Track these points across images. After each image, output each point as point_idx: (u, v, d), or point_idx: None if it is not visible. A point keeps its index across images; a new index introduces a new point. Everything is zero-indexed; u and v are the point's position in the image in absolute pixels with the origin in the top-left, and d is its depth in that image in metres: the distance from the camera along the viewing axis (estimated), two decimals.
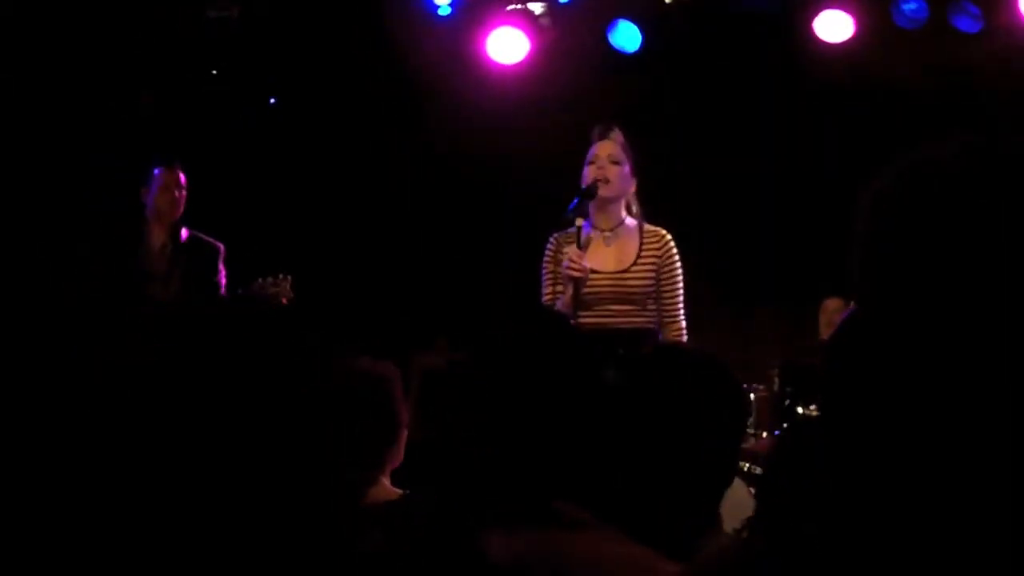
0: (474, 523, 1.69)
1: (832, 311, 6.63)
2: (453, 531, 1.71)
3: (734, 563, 1.17)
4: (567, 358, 1.84)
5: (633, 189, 4.60)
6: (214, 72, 6.82)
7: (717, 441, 2.01)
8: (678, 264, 4.52)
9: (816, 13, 6.29)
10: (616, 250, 4.50)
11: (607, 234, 4.50)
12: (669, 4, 6.41)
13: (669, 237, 4.53)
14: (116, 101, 6.46)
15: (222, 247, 5.76)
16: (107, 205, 5.86)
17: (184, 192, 5.65)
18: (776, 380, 6.12)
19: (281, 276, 5.54)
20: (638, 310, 4.46)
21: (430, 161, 7.08)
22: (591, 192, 4.44)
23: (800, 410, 5.90)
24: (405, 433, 2.78)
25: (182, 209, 5.67)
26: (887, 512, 0.97)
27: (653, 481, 1.99)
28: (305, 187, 7.04)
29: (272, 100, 7.10)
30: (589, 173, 4.46)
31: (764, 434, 5.94)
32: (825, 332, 6.71)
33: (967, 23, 5.97)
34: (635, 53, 6.37)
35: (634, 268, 4.46)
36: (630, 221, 4.55)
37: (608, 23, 6.40)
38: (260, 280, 5.55)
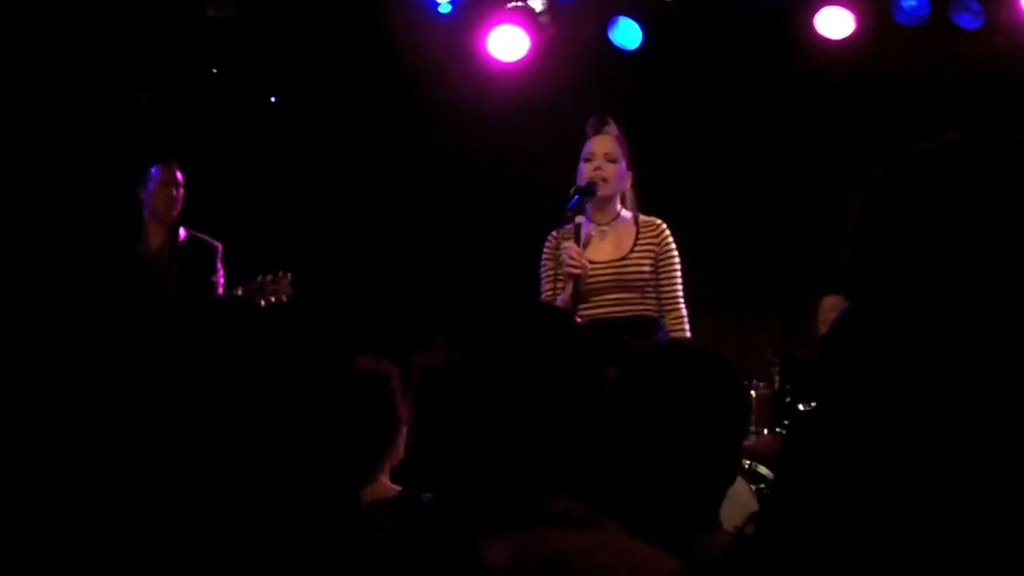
0: (474, 521, 1.69)
1: (829, 308, 6.63)
2: (452, 529, 1.71)
3: (734, 561, 1.17)
4: (566, 356, 1.83)
5: (629, 183, 4.61)
6: (214, 71, 6.82)
7: (719, 438, 2.01)
8: (675, 252, 4.54)
9: (817, 10, 6.29)
10: (613, 240, 4.52)
11: (604, 227, 4.52)
12: (669, 2, 6.41)
13: (665, 226, 4.56)
14: (115, 100, 6.46)
15: (220, 246, 5.76)
16: (105, 203, 5.86)
17: (181, 190, 5.65)
18: (776, 377, 6.12)
19: (280, 273, 5.54)
20: (638, 298, 4.47)
21: (429, 159, 7.08)
22: (590, 191, 4.45)
23: (800, 407, 5.91)
24: (404, 431, 2.78)
25: (180, 208, 5.67)
26: (886, 508, 0.97)
27: (655, 478, 1.99)
28: (305, 186, 7.04)
29: (272, 98, 7.10)
30: (585, 171, 4.47)
31: (764, 431, 5.95)
32: (823, 329, 6.70)
33: (968, 20, 5.97)
34: (635, 50, 6.37)
35: (632, 256, 4.48)
36: (625, 213, 4.58)
37: (608, 20, 6.40)
38: (259, 278, 5.54)
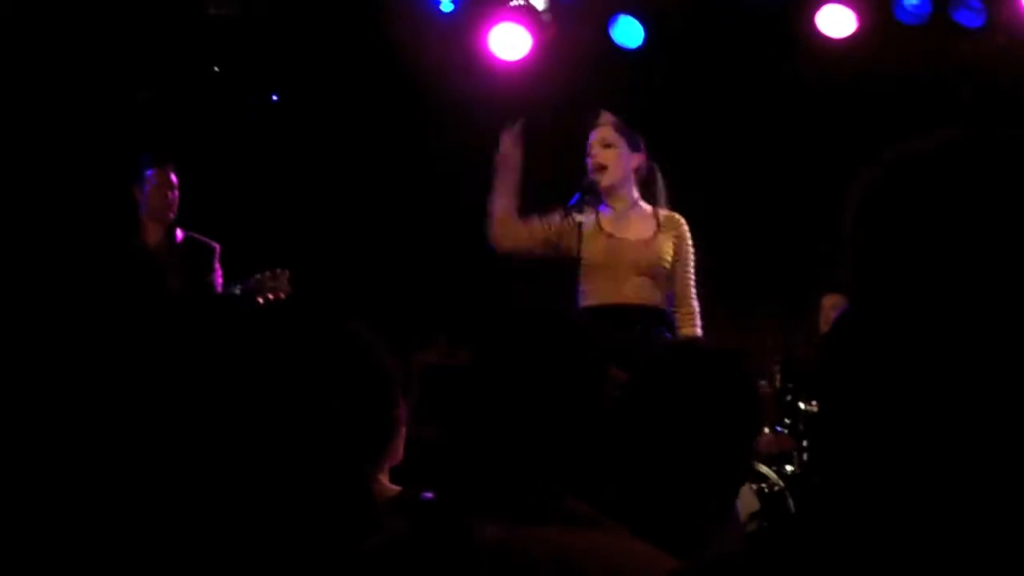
0: (478, 520, 1.69)
1: (830, 307, 6.63)
2: (456, 528, 1.71)
3: (733, 561, 1.17)
4: (570, 356, 1.83)
5: (636, 164, 4.61)
6: (215, 69, 6.82)
7: (732, 438, 2.01)
8: (692, 247, 4.56)
9: (818, 8, 6.29)
10: (636, 223, 4.54)
11: (624, 212, 4.55)
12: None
13: (684, 221, 4.58)
14: (116, 98, 6.47)
15: (217, 247, 5.77)
16: (103, 201, 5.88)
17: (176, 192, 5.67)
18: (777, 376, 6.13)
19: (278, 270, 5.55)
20: (654, 286, 4.47)
21: (430, 158, 7.08)
22: (591, 189, 4.47)
23: (802, 405, 5.91)
24: (403, 431, 2.77)
25: (175, 209, 5.68)
26: (887, 506, 0.97)
27: (667, 478, 1.98)
28: (306, 184, 7.04)
29: (274, 97, 7.10)
30: (588, 164, 4.51)
31: (765, 430, 5.95)
32: (825, 328, 6.71)
33: (969, 18, 5.97)
34: (636, 49, 6.37)
35: (655, 241, 4.49)
36: (644, 204, 4.59)
37: (610, 19, 6.39)
38: (257, 275, 5.56)
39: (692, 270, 4.57)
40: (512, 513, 1.67)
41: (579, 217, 4.55)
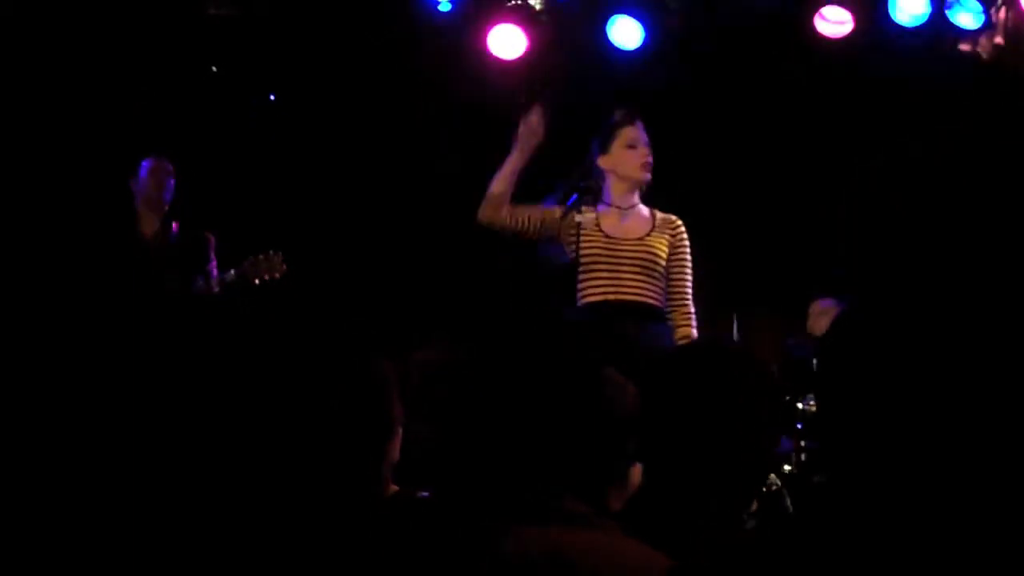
0: (478, 518, 1.69)
1: (818, 313, 6.64)
2: (456, 527, 1.72)
3: (729, 559, 1.17)
4: (571, 356, 1.84)
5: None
6: (213, 69, 6.82)
7: (757, 439, 2.00)
8: (689, 249, 4.60)
9: (816, 8, 6.29)
10: (633, 222, 4.58)
11: (625, 211, 4.59)
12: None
13: (681, 223, 4.63)
14: (115, 96, 6.47)
15: (212, 238, 5.83)
16: (101, 195, 5.92)
17: (172, 180, 5.76)
18: (778, 375, 6.12)
19: (271, 252, 5.62)
20: (650, 284, 4.50)
21: (429, 156, 7.08)
22: (590, 189, 4.51)
23: (800, 406, 5.91)
24: (401, 431, 2.77)
25: (171, 196, 5.76)
26: (886, 502, 0.97)
27: (690, 479, 1.97)
28: (306, 183, 7.04)
29: (272, 96, 7.10)
30: (634, 158, 4.54)
31: None
32: (811, 331, 6.70)
33: (968, 19, 5.96)
34: (635, 50, 6.36)
35: (648, 239, 4.54)
36: (643, 207, 4.64)
37: (608, 19, 6.39)
38: (251, 258, 5.63)
39: (689, 272, 4.60)
40: (511, 513, 1.67)
41: (577, 217, 4.56)
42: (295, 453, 2.41)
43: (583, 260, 4.46)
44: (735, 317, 5.96)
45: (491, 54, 6.46)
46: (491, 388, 1.81)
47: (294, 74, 6.94)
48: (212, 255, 5.82)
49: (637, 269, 4.49)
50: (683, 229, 4.63)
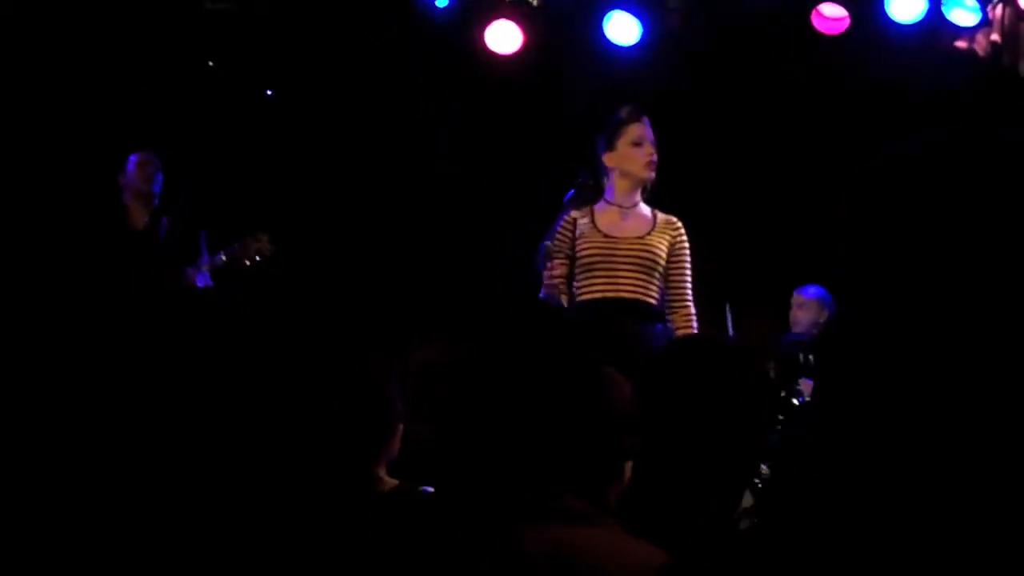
0: (478, 519, 1.70)
1: (797, 306, 6.65)
2: (458, 523, 1.72)
3: (726, 556, 1.18)
4: (568, 356, 1.85)
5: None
6: (210, 64, 6.82)
7: (743, 434, 2.01)
8: (688, 250, 4.59)
9: (812, 5, 6.29)
10: (634, 222, 4.57)
11: (626, 210, 4.58)
12: None
13: (681, 225, 4.62)
14: (113, 92, 6.46)
15: (204, 233, 5.85)
16: (91, 191, 5.93)
17: (160, 174, 5.78)
18: (773, 371, 6.14)
19: (259, 234, 5.66)
20: (649, 282, 4.49)
21: (426, 153, 7.08)
22: (587, 185, 4.50)
23: (795, 402, 5.92)
24: (401, 427, 2.78)
25: (159, 189, 5.78)
26: (885, 500, 0.98)
27: (677, 474, 1.98)
28: (305, 179, 7.04)
29: (269, 92, 7.09)
30: (640, 156, 4.52)
31: None
32: (793, 325, 6.72)
33: (964, 17, 5.97)
34: (632, 46, 6.36)
35: (649, 238, 4.52)
36: (644, 207, 4.63)
37: (604, 15, 6.39)
38: (239, 241, 5.66)
39: (688, 272, 4.60)
40: (512, 511, 1.68)
41: (574, 213, 4.56)
42: (295, 450, 2.42)
43: (581, 258, 4.46)
44: (729, 313, 5.96)
45: (488, 49, 6.46)
46: (491, 388, 1.81)
47: (291, 69, 6.93)
48: (204, 250, 5.82)
49: (636, 268, 4.48)
50: (683, 232, 4.62)
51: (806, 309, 6.51)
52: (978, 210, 1.03)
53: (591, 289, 4.44)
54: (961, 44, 5.94)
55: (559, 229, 4.56)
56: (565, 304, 4.30)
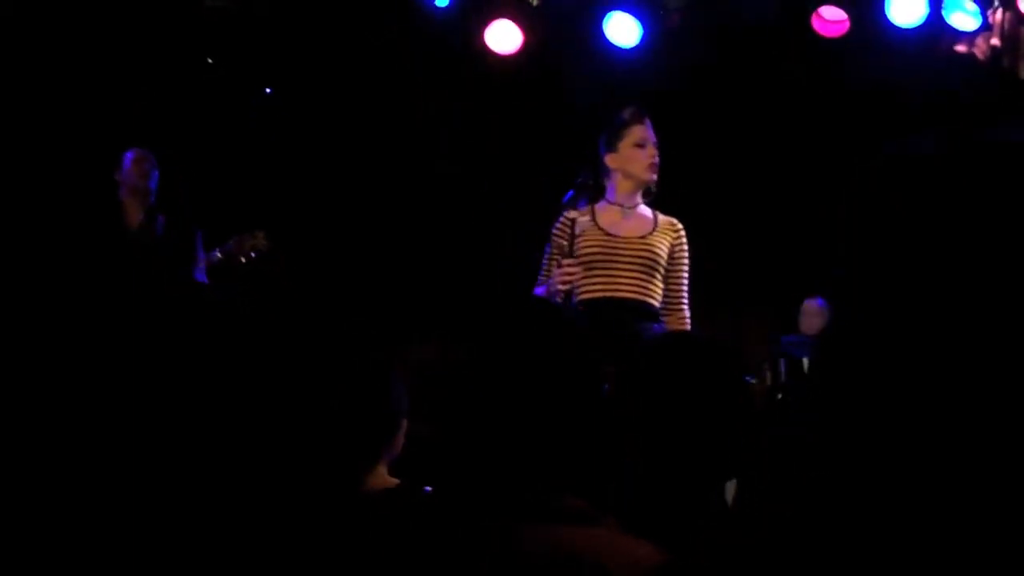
0: (478, 516, 1.70)
1: (812, 313, 6.70)
2: (456, 523, 1.73)
3: (724, 555, 1.18)
4: (567, 355, 1.85)
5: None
6: (209, 61, 6.82)
7: (722, 428, 2.02)
8: (688, 254, 4.59)
9: (813, 7, 6.30)
10: (635, 222, 4.57)
11: (627, 210, 4.58)
12: None
13: (682, 227, 4.62)
14: (112, 91, 6.47)
15: (200, 232, 5.85)
16: (87, 188, 5.94)
17: (156, 171, 5.79)
18: (768, 373, 6.16)
19: (255, 231, 5.67)
20: (651, 283, 4.49)
21: (425, 152, 7.08)
22: (587, 186, 4.50)
23: (789, 401, 5.94)
24: (405, 423, 2.79)
25: (156, 187, 5.79)
26: (883, 500, 0.98)
27: (658, 470, 1.99)
28: (304, 178, 7.04)
29: (268, 90, 7.10)
30: (643, 157, 4.52)
31: None
32: (804, 329, 6.77)
33: (964, 21, 5.98)
34: (631, 47, 6.37)
35: (651, 238, 4.53)
36: (645, 207, 4.63)
37: (604, 15, 6.39)
38: (235, 237, 5.67)
39: (687, 275, 4.59)
40: (511, 510, 1.68)
41: (572, 213, 4.56)
42: (294, 449, 2.42)
43: (581, 256, 4.45)
44: (729, 315, 5.99)
45: (488, 49, 6.46)
46: (490, 387, 1.81)
47: (290, 68, 6.94)
48: (200, 248, 5.83)
49: (636, 267, 4.48)
50: (684, 234, 4.62)
51: (820, 317, 6.55)
52: (977, 210, 1.03)
53: (591, 288, 4.44)
54: (961, 48, 5.95)
55: (557, 228, 4.56)
56: (561, 302, 4.31)
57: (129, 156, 5.83)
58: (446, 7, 6.43)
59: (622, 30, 6.31)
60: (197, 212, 5.89)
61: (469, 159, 7.00)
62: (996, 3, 5.65)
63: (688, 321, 4.57)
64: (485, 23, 6.43)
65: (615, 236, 4.50)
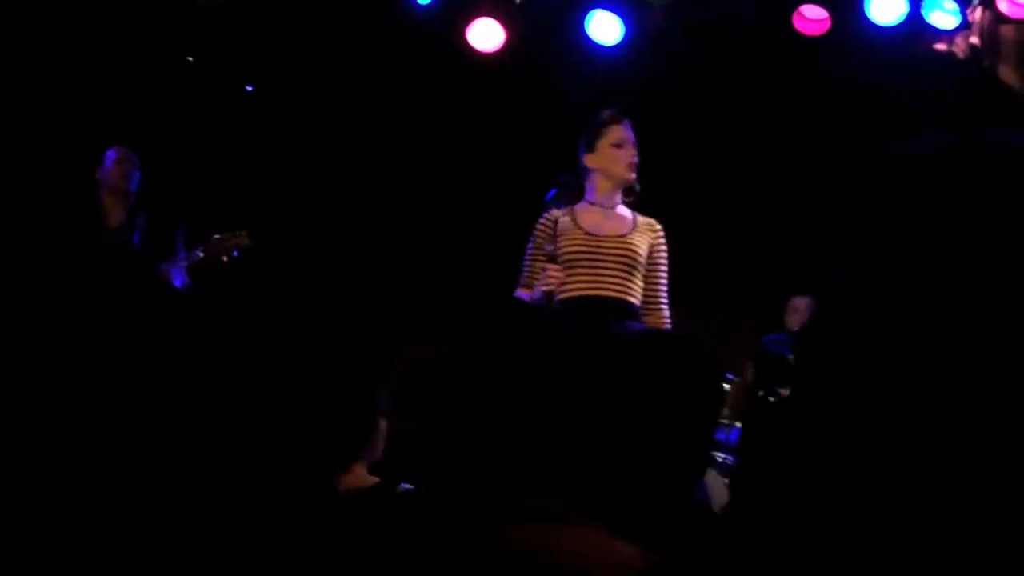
0: (458, 515, 1.71)
1: (804, 309, 6.73)
2: (437, 522, 1.73)
3: (708, 555, 1.19)
4: (559, 356, 1.86)
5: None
6: (190, 59, 6.80)
7: (691, 422, 2.03)
8: (666, 253, 4.60)
9: (794, 6, 6.32)
10: (616, 221, 4.59)
11: (607, 210, 4.59)
12: None
13: (661, 227, 4.63)
14: (99, 88, 6.45)
15: (182, 230, 5.84)
16: (67, 188, 5.93)
17: (138, 171, 5.78)
18: (751, 370, 6.18)
19: (237, 231, 5.66)
20: (632, 281, 4.50)
21: (419, 152, 7.08)
22: (569, 185, 4.51)
23: (772, 399, 5.96)
24: (384, 424, 2.79)
25: (136, 186, 5.78)
26: (873, 496, 0.98)
27: (632, 467, 2.00)
28: (298, 177, 7.04)
29: (249, 88, 7.08)
30: (622, 158, 4.54)
31: (738, 423, 6.00)
32: (792, 326, 6.80)
33: (943, 20, 6.01)
34: (614, 46, 6.38)
35: (631, 236, 4.54)
36: (624, 208, 4.64)
37: (587, 13, 6.40)
38: (216, 236, 5.66)
39: (665, 275, 4.61)
40: (496, 510, 1.69)
41: (555, 212, 4.57)
42: (274, 449, 2.42)
43: (563, 256, 4.47)
44: (729, 315, 6.01)
45: (470, 47, 6.46)
46: (486, 387, 1.82)
47: (275, 66, 6.92)
48: (182, 247, 5.82)
49: (618, 266, 4.49)
50: (663, 234, 4.64)
51: (803, 313, 6.60)
52: (976, 210, 1.04)
53: (572, 286, 4.45)
54: (940, 46, 5.97)
55: (539, 227, 4.58)
56: (543, 302, 4.32)
57: (111, 156, 5.83)
58: (428, 5, 6.43)
59: (605, 28, 6.31)
60: (192, 212, 5.88)
61: (455, 157, 7.00)
62: (975, 2, 5.67)
63: (667, 320, 4.58)
64: (467, 21, 6.44)
65: (596, 235, 4.51)
